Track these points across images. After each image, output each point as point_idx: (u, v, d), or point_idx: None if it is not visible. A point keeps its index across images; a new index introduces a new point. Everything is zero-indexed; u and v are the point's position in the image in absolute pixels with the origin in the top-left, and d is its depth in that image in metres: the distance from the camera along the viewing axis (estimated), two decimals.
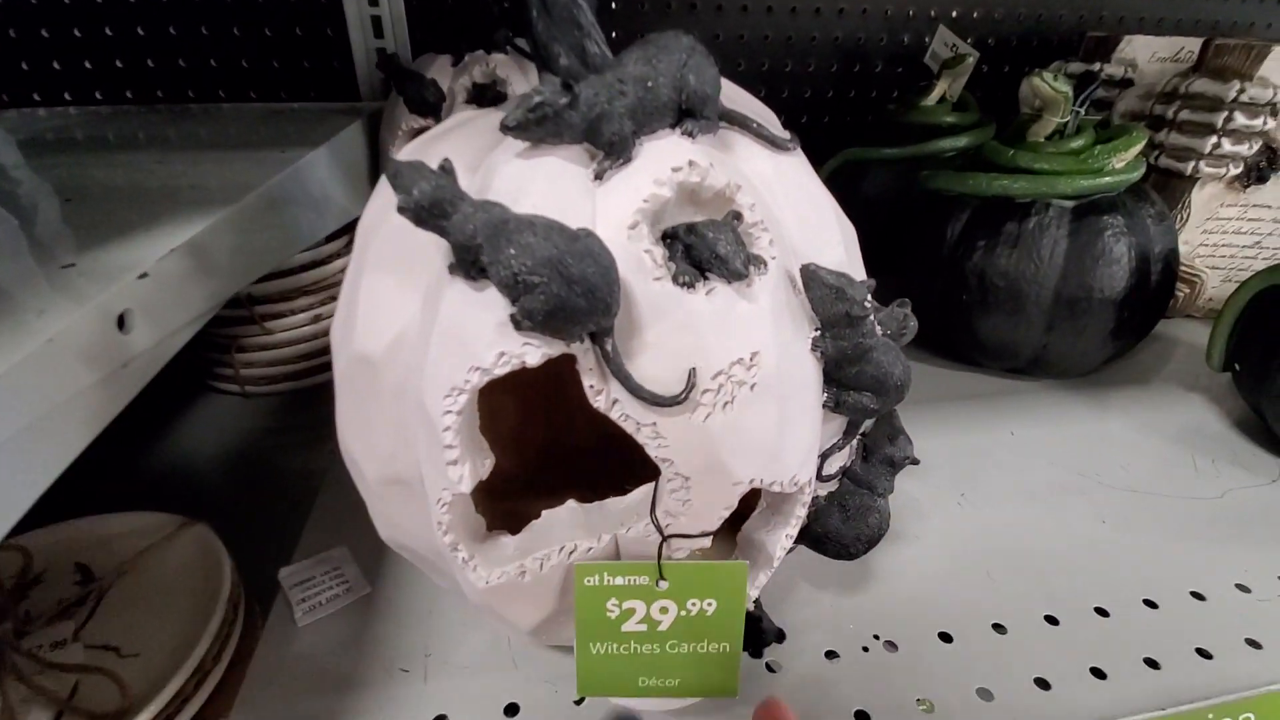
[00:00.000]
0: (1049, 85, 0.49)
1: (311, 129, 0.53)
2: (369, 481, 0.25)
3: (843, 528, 0.28)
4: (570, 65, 0.23)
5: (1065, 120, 0.51)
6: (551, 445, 0.39)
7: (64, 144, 0.48)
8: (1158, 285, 0.51)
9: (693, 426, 0.21)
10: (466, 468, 0.22)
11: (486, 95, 0.55)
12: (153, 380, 0.26)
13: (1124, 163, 0.49)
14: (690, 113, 0.22)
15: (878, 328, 0.24)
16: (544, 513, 0.24)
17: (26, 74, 0.65)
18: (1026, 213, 0.49)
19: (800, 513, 0.27)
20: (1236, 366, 0.49)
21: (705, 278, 0.21)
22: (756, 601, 0.32)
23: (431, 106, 0.55)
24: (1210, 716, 0.31)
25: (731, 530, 0.28)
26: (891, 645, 0.33)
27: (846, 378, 0.25)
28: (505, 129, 0.20)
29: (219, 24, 0.66)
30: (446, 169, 0.19)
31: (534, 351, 0.20)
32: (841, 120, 0.82)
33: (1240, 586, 0.36)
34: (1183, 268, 0.63)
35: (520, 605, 0.25)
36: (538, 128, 0.20)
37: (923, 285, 0.56)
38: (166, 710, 0.31)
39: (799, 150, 0.26)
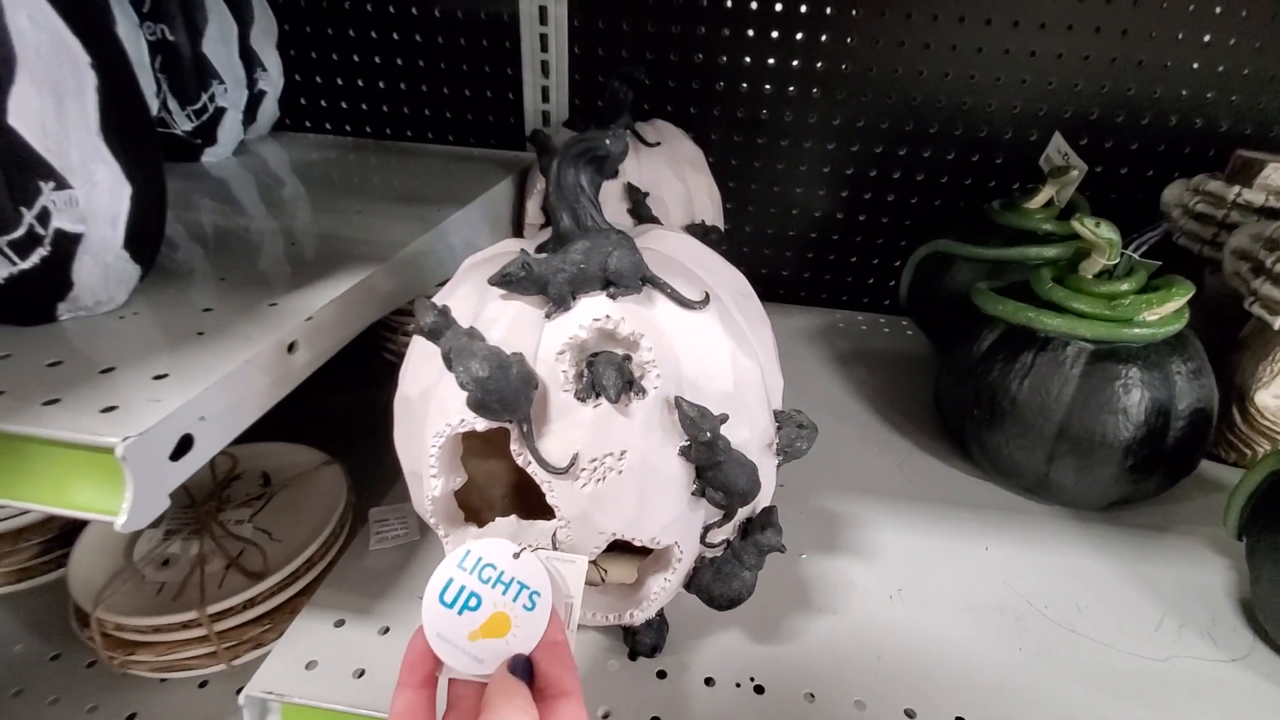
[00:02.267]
0: (1089, 230, 0.51)
1: (475, 182, 0.70)
2: (405, 470, 0.40)
3: (712, 585, 0.38)
4: (568, 226, 0.35)
5: (1114, 263, 0.53)
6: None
7: (312, 178, 0.70)
8: (1180, 439, 0.51)
9: (574, 490, 0.33)
10: (440, 482, 0.35)
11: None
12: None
13: (1157, 316, 0.50)
14: (612, 282, 0.33)
15: (732, 445, 0.34)
16: (496, 519, 0.37)
17: (303, 107, 0.90)
18: (1045, 346, 0.52)
19: (676, 565, 0.37)
20: (1243, 538, 0.48)
21: (597, 395, 0.32)
22: (660, 613, 0.42)
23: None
24: None
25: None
26: (760, 689, 0.41)
27: (707, 478, 0.34)
28: (490, 283, 0.33)
29: (434, 84, 0.86)
30: (444, 311, 0.32)
31: (481, 422, 0.33)
32: (954, 208, 0.85)
33: None
34: (1267, 422, 0.59)
35: None
36: (509, 286, 0.33)
37: (949, 391, 0.60)
38: (285, 580, 0.48)
39: (710, 306, 0.35)
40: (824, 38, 0.77)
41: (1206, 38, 0.73)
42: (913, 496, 0.58)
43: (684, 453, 0.34)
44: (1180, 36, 0.73)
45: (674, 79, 0.82)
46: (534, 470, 0.33)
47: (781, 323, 0.86)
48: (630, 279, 0.33)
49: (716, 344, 0.35)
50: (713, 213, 0.74)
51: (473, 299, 0.35)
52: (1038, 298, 0.55)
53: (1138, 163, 0.80)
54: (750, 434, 0.36)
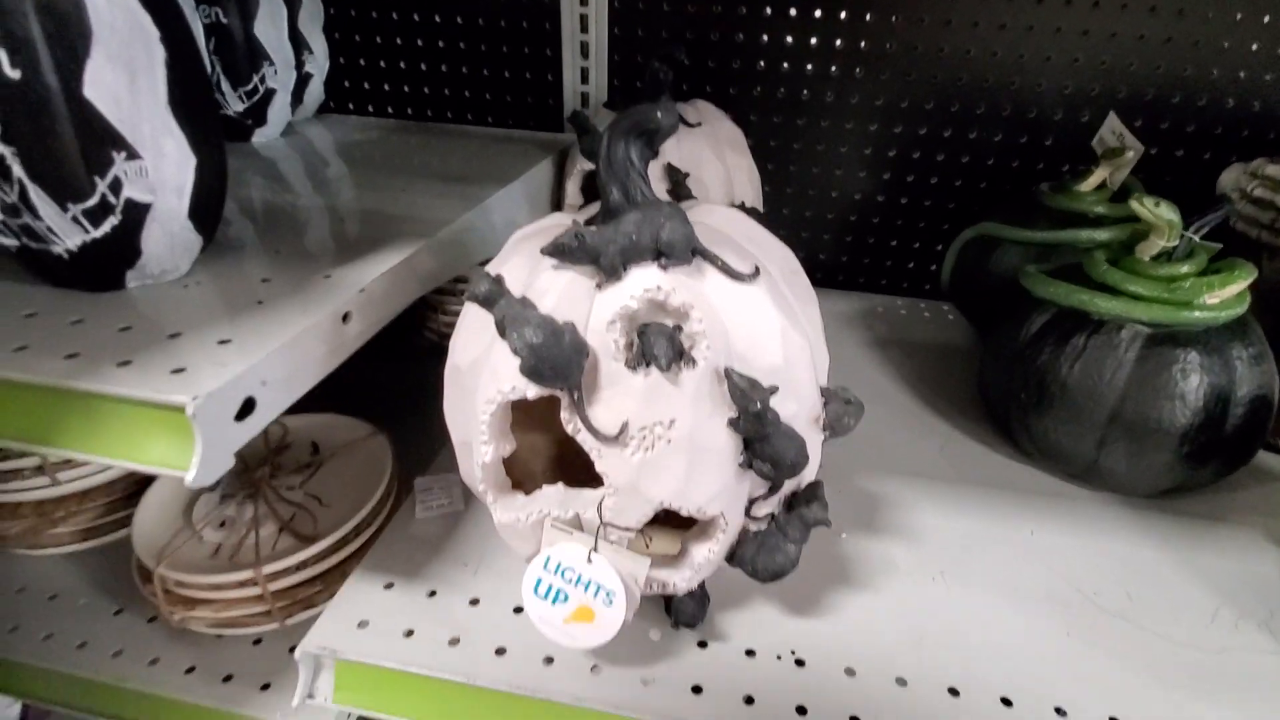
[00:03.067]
0: (1150, 211, 0.50)
1: (516, 163, 0.71)
2: (454, 440, 0.40)
3: (756, 557, 0.38)
4: (618, 200, 0.35)
5: (1173, 245, 0.51)
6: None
7: (358, 159, 0.71)
8: (1239, 427, 0.49)
9: (623, 458, 0.33)
10: (491, 448, 0.36)
11: None
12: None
13: (1218, 299, 0.49)
14: (663, 254, 0.33)
15: (789, 418, 0.34)
16: (543, 487, 0.38)
17: (347, 90, 0.91)
18: (1098, 329, 0.51)
19: (720, 536, 0.37)
20: None
21: (648, 365, 0.32)
22: (702, 586, 0.42)
23: (596, 155, 0.70)
24: None
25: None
26: (800, 662, 0.41)
27: (755, 450, 0.34)
28: (543, 253, 0.33)
29: (474, 66, 0.87)
30: (497, 279, 0.32)
31: (532, 389, 0.33)
32: (1000, 191, 0.83)
33: None
34: None
35: (518, 539, 0.38)
36: (562, 255, 0.33)
37: (994, 375, 0.59)
38: (336, 544, 0.50)
39: (760, 280, 0.35)
40: (868, 16, 0.76)
41: (1266, 18, 0.70)
42: (954, 480, 0.57)
43: (732, 424, 0.34)
44: (1239, 17, 0.70)
45: (714, 59, 0.81)
46: (583, 438, 0.33)
47: (819, 307, 0.85)
48: (681, 250, 0.33)
49: (766, 318, 0.35)
50: (752, 194, 0.73)
51: (524, 270, 0.36)
52: (1091, 280, 0.53)
53: (1194, 146, 0.77)
54: (798, 408, 0.36)
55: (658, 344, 0.32)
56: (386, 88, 0.91)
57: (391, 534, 0.49)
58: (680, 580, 0.38)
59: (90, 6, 0.32)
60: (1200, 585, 0.48)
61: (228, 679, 0.48)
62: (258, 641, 0.51)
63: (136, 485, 0.56)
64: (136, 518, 0.51)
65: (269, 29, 0.69)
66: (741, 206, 0.71)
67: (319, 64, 0.80)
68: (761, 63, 0.80)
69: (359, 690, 0.42)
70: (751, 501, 0.37)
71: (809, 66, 0.79)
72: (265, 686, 0.47)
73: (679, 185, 0.68)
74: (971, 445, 0.62)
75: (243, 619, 0.48)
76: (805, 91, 0.81)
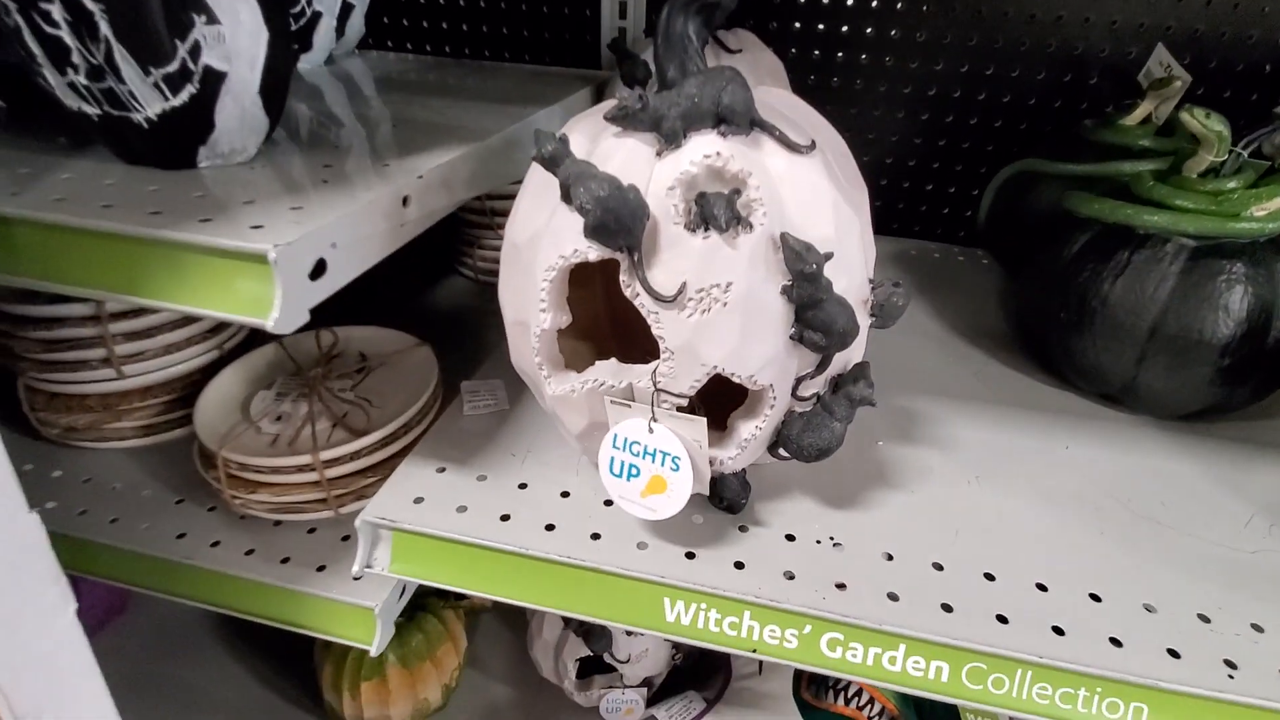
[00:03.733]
0: (1199, 122, 0.50)
1: (555, 90, 0.72)
2: (507, 322, 0.42)
3: (802, 435, 0.39)
4: (675, 76, 0.36)
5: (1222, 160, 0.51)
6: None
7: (402, 84, 0.72)
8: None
9: (680, 320, 0.34)
10: (550, 316, 0.37)
11: None
12: (424, 262, 0.45)
13: (1265, 211, 0.48)
14: (724, 119, 0.34)
15: (840, 288, 0.35)
16: (596, 363, 0.39)
17: (386, 26, 0.92)
18: (1142, 244, 0.51)
19: (768, 411, 0.38)
20: None
21: (706, 228, 0.33)
22: (742, 472, 0.44)
23: (640, 81, 0.70)
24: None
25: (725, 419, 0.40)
26: (838, 545, 0.42)
27: (806, 319, 0.35)
28: (605, 119, 0.34)
29: (513, 2, 0.87)
30: (563, 139, 0.33)
31: (594, 251, 0.34)
32: (1041, 132, 0.82)
33: (1201, 616, 0.39)
34: None
35: (570, 413, 0.40)
36: (624, 120, 0.34)
37: (1033, 299, 0.59)
38: (388, 438, 0.52)
39: (815, 154, 0.36)
40: None
41: None
42: (990, 400, 0.58)
43: (785, 292, 0.35)
44: None
45: None
46: (642, 301, 0.34)
47: None
48: (741, 117, 0.34)
49: (820, 189, 0.35)
50: None
51: (585, 140, 0.37)
52: (1137, 198, 0.53)
53: (1243, 84, 0.75)
54: (849, 283, 0.36)
55: (717, 206, 0.33)
56: (425, 24, 0.91)
57: (441, 427, 0.51)
58: (727, 457, 0.40)
59: None
60: (1234, 497, 0.49)
61: (285, 560, 0.50)
62: (312, 530, 0.53)
63: (194, 385, 0.58)
64: (198, 409, 0.53)
65: None
66: None
67: None
68: None
69: (415, 561, 0.44)
70: (798, 381, 0.38)
71: (848, 1, 0.79)
72: (321, 568, 0.49)
73: None
74: (1006, 371, 0.62)
75: (300, 505, 0.50)
76: (845, 27, 0.80)
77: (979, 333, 0.69)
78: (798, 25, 0.81)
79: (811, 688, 0.77)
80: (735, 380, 0.36)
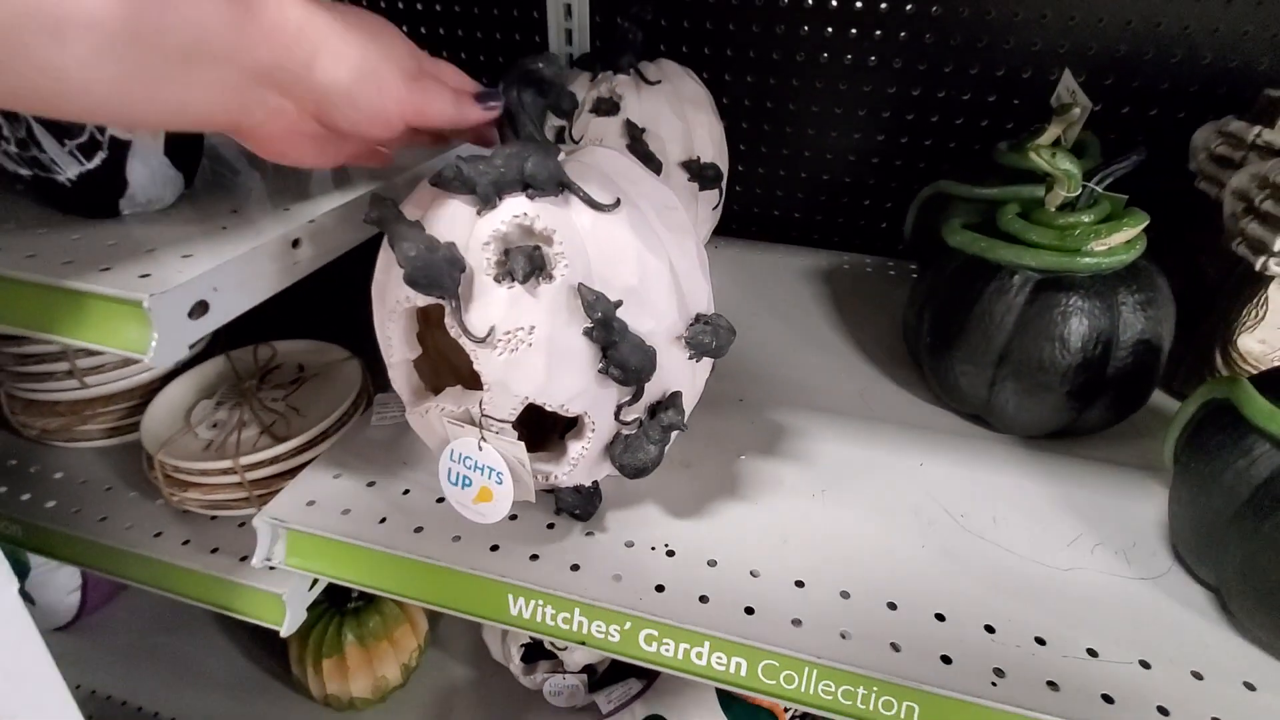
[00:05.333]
0: (1044, 161, 0.52)
1: None
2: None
3: (621, 456, 0.44)
4: (509, 137, 0.41)
5: (1075, 195, 0.53)
6: None
7: None
8: (1123, 371, 0.52)
9: (493, 357, 0.39)
10: (397, 350, 0.43)
11: (603, 107, 0.73)
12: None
13: (1105, 247, 0.51)
14: (529, 185, 0.39)
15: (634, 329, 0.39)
16: (445, 389, 0.44)
17: None
18: (994, 275, 0.54)
19: (590, 434, 0.43)
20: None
21: (511, 279, 0.39)
22: (595, 486, 0.49)
23: (566, 112, 0.75)
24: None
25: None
26: (671, 553, 0.47)
27: (609, 356, 0.40)
28: (429, 183, 0.40)
29: (468, 28, 0.93)
30: (390, 203, 0.39)
31: (419, 298, 0.40)
32: (969, 150, 0.84)
33: (988, 628, 0.43)
34: (1248, 366, 0.59)
35: (425, 432, 0.46)
36: (443, 185, 0.39)
37: (910, 319, 0.63)
38: (304, 444, 0.58)
39: (620, 210, 0.40)
40: None
41: None
42: (866, 417, 0.61)
43: (588, 333, 0.40)
44: None
45: (689, 19, 0.84)
46: (463, 341, 0.40)
47: (786, 262, 0.89)
48: (546, 182, 0.39)
49: (624, 242, 0.40)
50: (713, 150, 0.77)
51: (427, 199, 0.42)
52: (997, 230, 0.56)
53: (1168, 104, 0.76)
54: (656, 325, 0.41)
55: (515, 260, 0.38)
56: None
57: (347, 436, 0.58)
58: (560, 472, 0.45)
59: None
60: (1070, 515, 0.52)
61: (214, 551, 0.57)
62: (242, 524, 0.60)
63: (154, 392, 0.66)
64: (146, 416, 0.61)
65: None
66: (698, 160, 0.75)
67: None
68: (732, 24, 0.83)
69: (306, 556, 0.50)
70: (619, 407, 0.43)
71: (779, 27, 0.82)
72: (244, 558, 0.57)
73: (636, 140, 0.73)
74: (892, 388, 0.66)
75: (227, 503, 0.57)
76: (775, 53, 0.84)
77: (880, 348, 0.72)
78: (730, 52, 0.85)
79: None
80: (548, 409, 0.41)
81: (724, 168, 0.80)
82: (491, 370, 0.40)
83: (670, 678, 0.89)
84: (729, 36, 0.84)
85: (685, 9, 0.84)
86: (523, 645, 0.88)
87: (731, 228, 0.95)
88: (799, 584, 0.45)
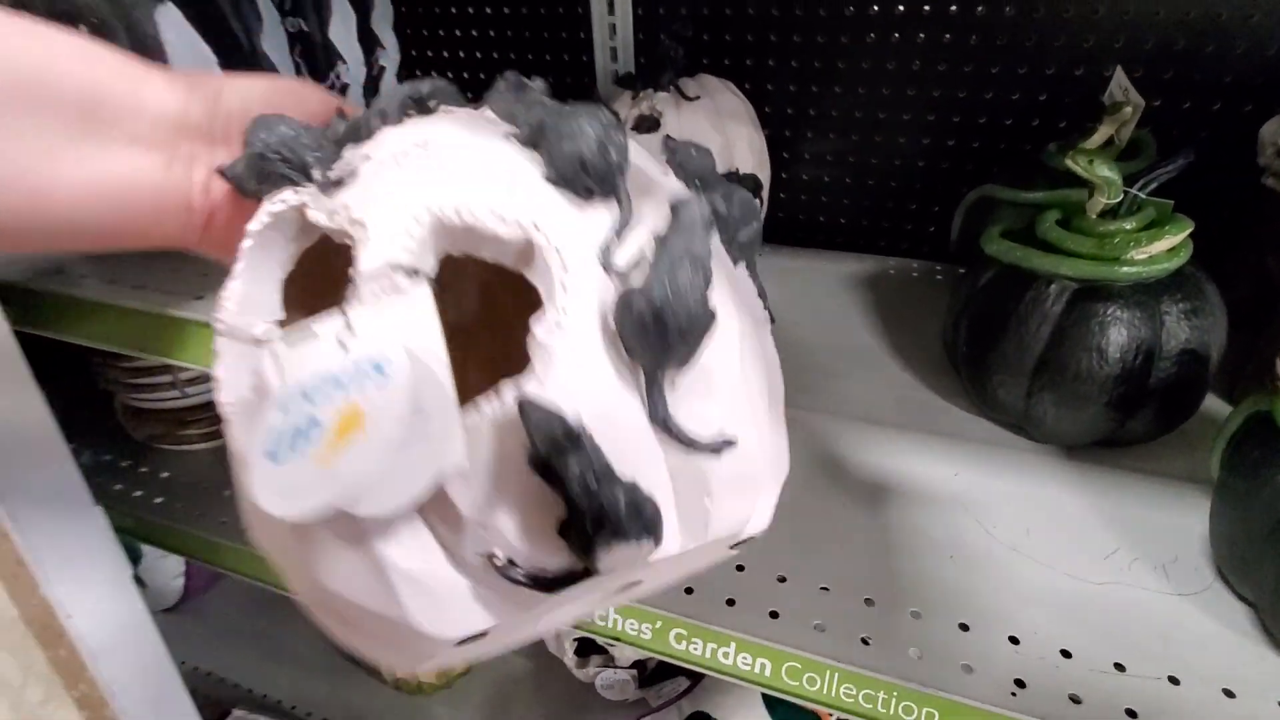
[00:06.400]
0: (1082, 168, 0.52)
1: None
2: None
3: None
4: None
5: (1115, 201, 0.53)
6: None
7: None
8: (1169, 381, 0.51)
9: None
10: None
11: (643, 125, 0.76)
12: None
13: (1145, 255, 0.50)
14: None
15: None
16: None
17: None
18: (1030, 284, 0.54)
19: None
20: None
21: None
22: None
23: None
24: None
25: None
26: None
27: None
28: None
29: (520, 51, 0.97)
30: None
31: None
32: (1019, 151, 0.82)
33: (1013, 639, 0.44)
34: None
35: None
36: None
37: (949, 327, 0.63)
38: None
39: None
40: None
41: None
42: (903, 426, 0.62)
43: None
44: None
45: (730, 33, 0.86)
46: None
47: (831, 268, 0.89)
48: None
49: None
50: (753, 162, 0.79)
51: None
52: (1034, 238, 0.56)
53: (1233, 98, 0.73)
54: None
55: None
56: (449, 75, 1.03)
57: None
58: None
59: (167, 43, 0.46)
60: (1109, 528, 0.51)
61: None
62: None
63: None
64: None
65: (340, 31, 0.83)
66: (736, 173, 0.77)
67: (391, 57, 0.94)
68: (773, 35, 0.84)
69: None
70: None
71: (820, 38, 0.83)
72: None
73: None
74: (931, 396, 0.65)
75: None
76: (817, 62, 0.84)
77: (921, 355, 0.72)
78: (772, 62, 0.86)
79: None
80: None
81: (765, 178, 0.81)
82: None
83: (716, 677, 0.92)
84: (771, 48, 0.85)
85: (727, 23, 0.86)
86: (575, 639, 0.92)
87: (778, 235, 0.96)
88: (824, 589, 0.47)
